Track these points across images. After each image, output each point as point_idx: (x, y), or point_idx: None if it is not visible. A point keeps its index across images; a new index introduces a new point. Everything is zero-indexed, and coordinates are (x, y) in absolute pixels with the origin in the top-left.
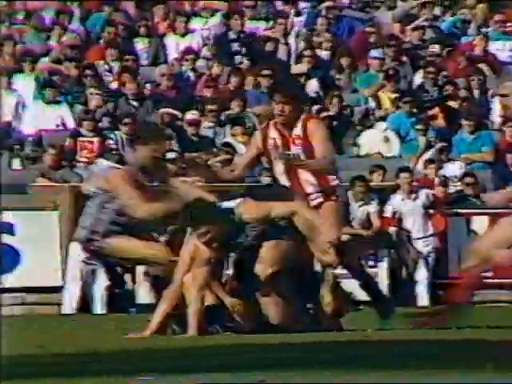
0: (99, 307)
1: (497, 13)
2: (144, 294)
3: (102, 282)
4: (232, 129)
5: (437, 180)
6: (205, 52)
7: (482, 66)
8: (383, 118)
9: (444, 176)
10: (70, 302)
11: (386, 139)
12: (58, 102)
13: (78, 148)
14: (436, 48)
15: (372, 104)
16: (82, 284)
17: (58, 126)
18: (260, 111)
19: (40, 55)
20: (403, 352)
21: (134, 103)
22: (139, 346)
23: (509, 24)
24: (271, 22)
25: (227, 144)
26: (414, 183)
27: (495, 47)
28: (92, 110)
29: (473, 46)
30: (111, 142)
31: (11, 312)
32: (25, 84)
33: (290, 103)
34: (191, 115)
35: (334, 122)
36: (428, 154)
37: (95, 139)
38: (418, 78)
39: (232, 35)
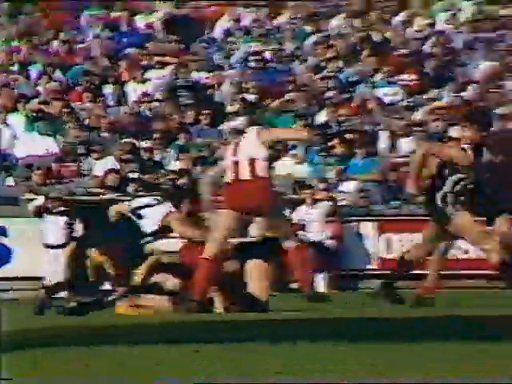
0: None
1: (384, 65)
2: None
3: None
4: (180, 155)
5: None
6: (157, 96)
7: (372, 106)
8: (295, 147)
9: (342, 191)
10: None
11: (298, 163)
12: (47, 134)
13: (60, 170)
14: (331, 93)
15: None
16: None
17: (46, 151)
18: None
19: (31, 98)
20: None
21: (105, 135)
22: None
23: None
24: (211, 73)
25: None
26: (315, 196)
27: (382, 92)
28: (71, 140)
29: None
30: (84, 165)
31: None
32: (17, 120)
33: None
34: (144, 143)
35: None
36: (329, 175)
37: (73, 163)
38: (323, 116)
39: (180, 83)
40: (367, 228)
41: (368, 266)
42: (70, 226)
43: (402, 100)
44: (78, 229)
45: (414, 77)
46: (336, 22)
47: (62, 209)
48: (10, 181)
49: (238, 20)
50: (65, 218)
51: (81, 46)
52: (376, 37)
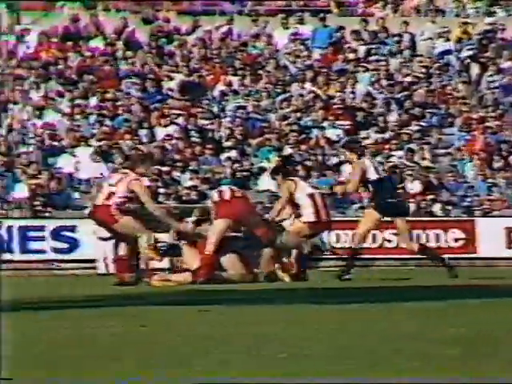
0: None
1: (329, 115)
2: None
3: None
4: (192, 176)
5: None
6: (176, 136)
7: (322, 143)
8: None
9: None
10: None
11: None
12: (100, 161)
13: None
14: (294, 134)
15: None
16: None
17: (100, 174)
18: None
19: (89, 138)
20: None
21: None
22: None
23: None
24: (212, 120)
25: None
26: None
27: (329, 133)
28: (117, 166)
29: None
30: None
31: None
32: (81, 153)
33: None
34: (167, 168)
35: None
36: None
37: None
38: (289, 150)
39: (191, 127)
40: None
41: None
42: None
43: (343, 138)
44: None
45: (349, 122)
46: (295, 86)
47: None
48: (77, 195)
49: (229, 84)
50: None
51: (123, 102)
52: (323, 96)
